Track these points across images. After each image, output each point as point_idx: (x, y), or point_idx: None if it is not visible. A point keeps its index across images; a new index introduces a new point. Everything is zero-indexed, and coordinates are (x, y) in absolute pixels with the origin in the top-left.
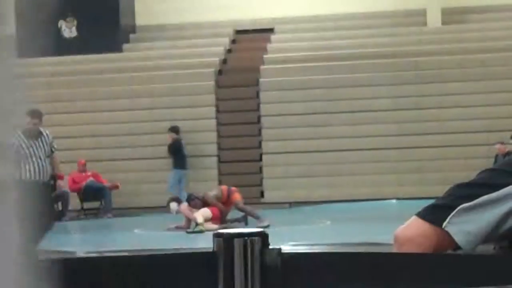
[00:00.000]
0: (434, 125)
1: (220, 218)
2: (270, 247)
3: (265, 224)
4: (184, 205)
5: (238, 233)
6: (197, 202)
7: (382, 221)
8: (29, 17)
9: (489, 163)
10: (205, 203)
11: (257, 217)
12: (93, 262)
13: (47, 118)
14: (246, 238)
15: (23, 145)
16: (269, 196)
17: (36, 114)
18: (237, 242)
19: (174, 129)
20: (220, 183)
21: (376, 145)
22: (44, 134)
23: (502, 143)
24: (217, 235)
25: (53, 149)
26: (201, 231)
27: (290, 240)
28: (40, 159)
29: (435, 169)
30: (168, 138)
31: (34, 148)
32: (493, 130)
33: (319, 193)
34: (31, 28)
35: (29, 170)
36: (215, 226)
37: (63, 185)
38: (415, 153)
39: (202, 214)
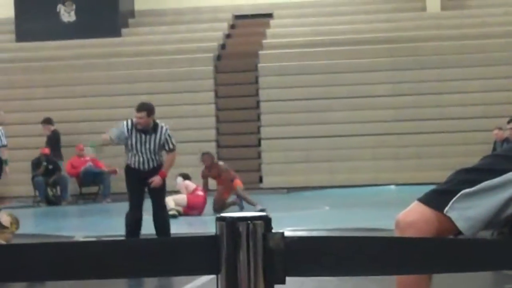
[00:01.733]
0: (432, 111)
1: (202, 207)
2: (273, 231)
3: (258, 208)
4: (184, 182)
5: (241, 217)
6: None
7: (380, 207)
8: (28, 1)
9: (487, 149)
10: (215, 175)
11: (253, 204)
12: (92, 246)
13: (44, 103)
14: (249, 222)
15: (132, 136)
16: (267, 181)
17: (141, 109)
18: (240, 226)
19: (50, 121)
20: None
21: (375, 131)
22: (159, 130)
23: (500, 128)
24: (220, 219)
25: (170, 147)
26: (173, 216)
27: (289, 225)
28: (144, 153)
29: (433, 155)
30: (45, 130)
31: (141, 142)
32: (492, 116)
33: (318, 178)
34: (30, 12)
35: (133, 162)
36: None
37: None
38: (414, 139)
39: (174, 199)
